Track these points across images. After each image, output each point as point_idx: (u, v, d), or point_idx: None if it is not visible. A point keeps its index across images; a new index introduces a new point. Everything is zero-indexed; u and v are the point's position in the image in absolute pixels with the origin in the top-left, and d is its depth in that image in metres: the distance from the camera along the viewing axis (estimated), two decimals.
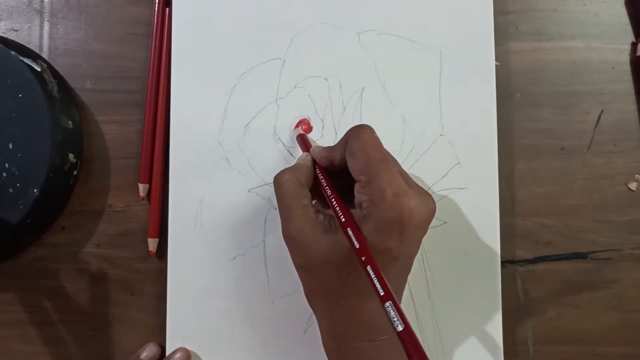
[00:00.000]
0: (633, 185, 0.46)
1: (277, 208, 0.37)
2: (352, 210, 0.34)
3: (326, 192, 0.36)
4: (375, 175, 0.33)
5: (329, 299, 0.35)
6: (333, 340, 0.36)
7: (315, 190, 0.38)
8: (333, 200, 0.35)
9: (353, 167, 0.35)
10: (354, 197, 0.35)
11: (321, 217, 0.36)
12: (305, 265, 0.36)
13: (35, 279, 0.46)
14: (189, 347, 0.44)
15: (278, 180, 0.37)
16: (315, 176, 0.38)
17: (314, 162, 0.39)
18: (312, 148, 0.40)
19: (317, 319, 0.38)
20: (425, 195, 0.35)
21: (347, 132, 0.36)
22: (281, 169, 0.38)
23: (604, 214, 0.46)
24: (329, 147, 0.39)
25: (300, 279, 0.37)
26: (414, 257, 0.36)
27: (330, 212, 0.36)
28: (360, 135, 0.35)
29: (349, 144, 0.35)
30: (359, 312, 0.35)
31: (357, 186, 0.35)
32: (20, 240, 0.44)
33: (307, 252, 0.35)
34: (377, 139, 0.35)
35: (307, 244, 0.35)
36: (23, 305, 0.46)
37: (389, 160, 0.35)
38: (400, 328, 0.27)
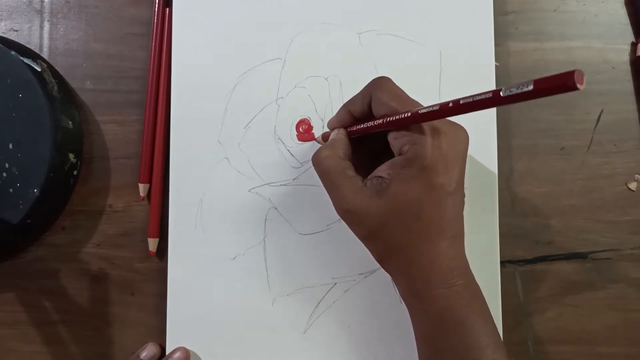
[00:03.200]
0: (633, 185, 0.46)
1: (324, 187, 0.37)
2: (395, 159, 0.35)
3: (377, 125, 0.36)
4: (411, 106, 0.35)
5: (402, 256, 0.35)
6: (412, 290, 0.36)
7: (355, 160, 0.38)
8: (389, 118, 0.35)
9: (382, 111, 0.36)
10: (380, 161, 0.36)
11: (369, 182, 0.36)
12: (368, 233, 0.36)
13: (35, 279, 0.46)
14: (189, 347, 0.44)
15: (317, 159, 0.38)
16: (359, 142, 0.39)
17: (346, 132, 0.39)
18: (329, 120, 0.41)
19: (393, 276, 0.37)
20: (456, 126, 0.36)
21: (367, 86, 0.37)
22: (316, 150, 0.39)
23: (604, 214, 0.46)
24: (345, 107, 0.39)
25: (368, 248, 0.37)
26: (463, 187, 0.37)
27: (377, 173, 0.36)
28: (383, 85, 0.36)
29: (376, 96, 0.36)
30: (433, 258, 0.35)
31: (392, 135, 0.35)
32: (20, 240, 0.44)
33: (367, 221, 0.35)
34: (398, 86, 0.37)
35: (365, 212, 0.35)
36: (23, 305, 0.46)
37: (416, 102, 0.36)
38: (531, 86, 0.25)
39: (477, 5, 0.45)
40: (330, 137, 0.40)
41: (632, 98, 0.46)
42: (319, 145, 0.43)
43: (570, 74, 0.24)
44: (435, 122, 0.34)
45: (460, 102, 0.30)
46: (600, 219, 0.46)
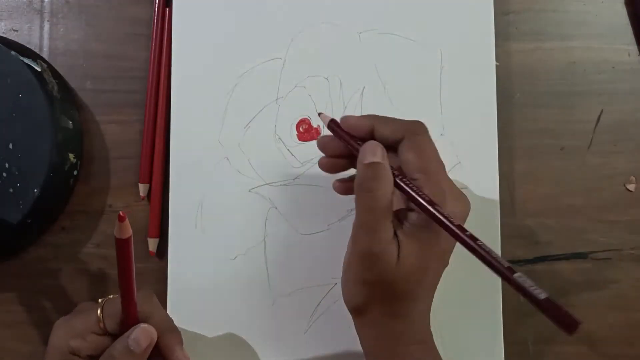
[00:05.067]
0: (631, 186, 0.46)
1: (358, 211, 0.34)
2: (418, 228, 0.34)
3: (414, 197, 0.33)
4: (437, 176, 0.34)
5: (385, 309, 0.35)
6: (383, 344, 0.36)
7: None
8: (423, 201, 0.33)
9: (412, 162, 0.34)
10: None
11: (396, 240, 0.34)
12: (373, 281, 0.34)
13: (35, 279, 0.45)
14: (188, 348, 0.43)
15: (369, 187, 0.33)
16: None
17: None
18: (350, 121, 0.36)
19: (362, 326, 0.37)
20: (464, 198, 0.36)
21: (406, 123, 0.35)
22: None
23: (603, 214, 0.46)
24: (374, 121, 0.35)
25: (346, 288, 0.37)
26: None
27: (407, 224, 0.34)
28: (425, 133, 0.35)
29: (413, 138, 0.34)
30: (414, 317, 0.35)
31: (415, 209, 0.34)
32: (20, 240, 0.44)
33: (382, 271, 0.34)
34: (433, 145, 0.35)
35: (387, 262, 0.33)
36: (23, 305, 0.46)
37: (443, 164, 0.36)
38: (542, 296, 0.27)
39: (477, 5, 0.45)
40: (374, 160, 0.33)
41: (632, 98, 0.46)
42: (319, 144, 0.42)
43: (575, 324, 0.26)
44: (457, 191, 0.35)
45: (479, 249, 0.31)
46: (600, 219, 0.46)
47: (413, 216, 0.34)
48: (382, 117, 0.36)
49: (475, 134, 0.44)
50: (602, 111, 0.46)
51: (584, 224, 0.46)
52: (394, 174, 0.34)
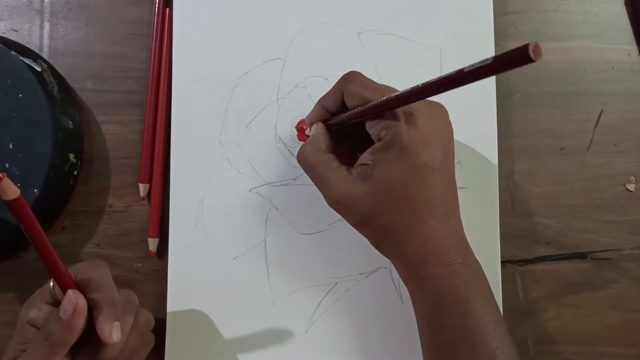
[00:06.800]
0: (631, 187, 0.46)
1: (312, 182, 0.38)
2: (375, 145, 0.35)
3: (352, 115, 0.37)
4: (385, 91, 0.35)
5: (395, 238, 0.36)
6: (409, 272, 0.36)
7: (337, 150, 0.39)
8: (361, 108, 0.36)
9: (357, 98, 0.36)
10: (363, 150, 0.36)
11: (354, 170, 0.36)
12: (360, 220, 0.36)
13: (35, 279, 0.45)
14: (189, 348, 0.43)
15: (301, 156, 0.38)
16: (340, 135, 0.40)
17: (324, 125, 0.40)
18: (307, 116, 0.41)
19: (392, 261, 0.38)
20: (432, 104, 0.36)
21: (338, 82, 0.38)
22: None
23: (603, 214, 0.46)
24: (319, 103, 0.40)
25: (363, 235, 0.38)
26: (452, 163, 0.37)
27: (361, 161, 0.36)
28: (353, 78, 0.37)
29: (347, 89, 0.37)
30: (426, 238, 0.35)
31: (368, 124, 0.36)
32: (20, 240, 0.44)
33: (356, 208, 0.36)
34: (368, 78, 0.37)
35: (353, 200, 0.35)
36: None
37: (388, 88, 0.36)
38: (490, 59, 0.26)
39: (477, 5, 0.45)
40: (311, 133, 0.40)
41: (632, 98, 0.46)
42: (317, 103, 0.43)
43: (525, 46, 0.24)
44: (409, 105, 0.34)
45: (428, 83, 0.30)
46: (600, 219, 0.46)
47: (377, 146, 0.35)
48: (324, 95, 0.40)
49: (475, 134, 0.44)
50: (602, 111, 0.46)
51: (584, 224, 0.46)
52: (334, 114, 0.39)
